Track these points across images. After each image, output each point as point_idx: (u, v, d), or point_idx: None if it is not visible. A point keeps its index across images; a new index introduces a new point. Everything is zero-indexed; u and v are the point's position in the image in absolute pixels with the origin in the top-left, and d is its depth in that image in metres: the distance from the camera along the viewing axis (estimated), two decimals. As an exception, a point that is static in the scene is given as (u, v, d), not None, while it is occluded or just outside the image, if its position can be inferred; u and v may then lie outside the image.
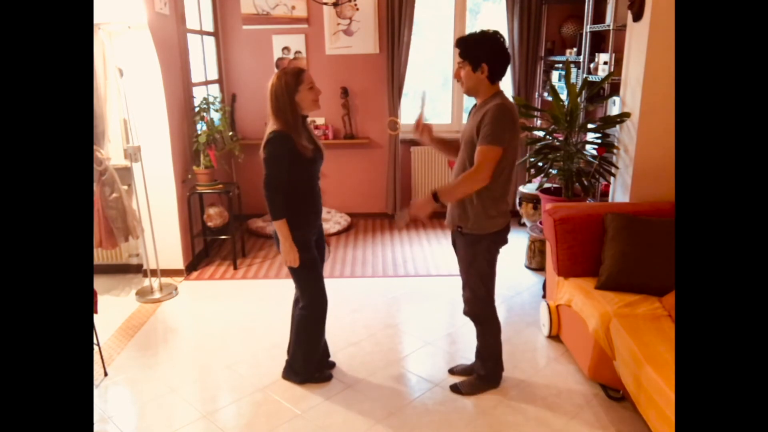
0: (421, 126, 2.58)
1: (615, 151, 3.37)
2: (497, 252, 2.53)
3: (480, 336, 2.67)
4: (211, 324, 3.45)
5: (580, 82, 3.80)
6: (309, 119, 2.63)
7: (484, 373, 2.71)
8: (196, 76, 4.57)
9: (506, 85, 5.24)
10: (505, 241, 2.52)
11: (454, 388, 2.72)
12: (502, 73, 2.38)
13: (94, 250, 3.99)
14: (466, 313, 2.62)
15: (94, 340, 2.79)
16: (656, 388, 2.06)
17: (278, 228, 2.45)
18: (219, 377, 2.88)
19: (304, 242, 2.53)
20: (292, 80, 2.39)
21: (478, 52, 2.32)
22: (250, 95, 5.30)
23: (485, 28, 2.36)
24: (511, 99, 2.40)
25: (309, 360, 2.75)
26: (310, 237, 2.58)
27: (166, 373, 2.91)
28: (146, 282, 4.01)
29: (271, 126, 2.42)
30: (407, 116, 5.41)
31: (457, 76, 2.43)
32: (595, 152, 3.54)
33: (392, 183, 5.33)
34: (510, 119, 2.28)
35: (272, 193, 2.41)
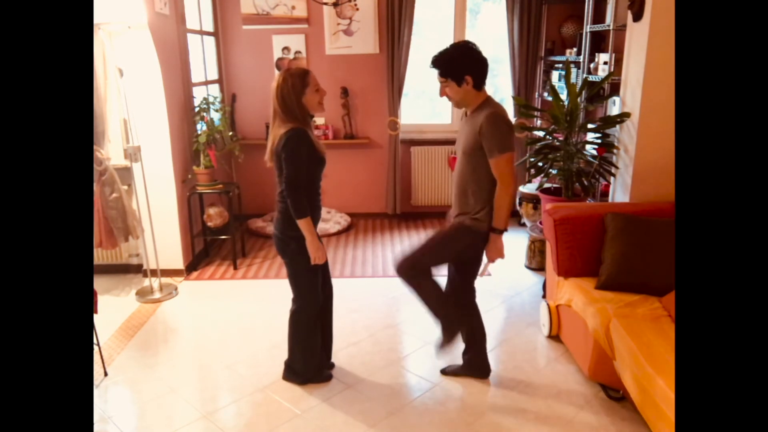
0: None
1: (615, 151, 3.37)
2: (472, 249, 2.55)
3: (416, 293, 2.54)
4: (211, 324, 3.45)
5: (580, 82, 3.80)
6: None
7: (445, 326, 2.58)
8: (196, 76, 4.57)
9: (506, 85, 5.24)
10: (486, 243, 2.52)
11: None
12: (485, 78, 2.42)
13: (94, 250, 4.00)
14: (398, 270, 2.50)
15: (94, 340, 2.80)
16: (656, 388, 2.06)
17: (304, 226, 2.43)
18: (219, 377, 2.88)
19: None
20: (298, 82, 2.39)
21: (459, 67, 2.35)
22: (250, 95, 5.30)
23: (458, 40, 2.37)
24: (499, 101, 2.45)
25: (309, 360, 2.74)
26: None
27: (166, 373, 2.91)
28: (146, 282, 4.01)
29: (281, 127, 2.40)
30: (407, 116, 5.41)
31: (442, 94, 2.46)
32: (595, 152, 3.54)
33: (392, 183, 5.33)
34: (505, 124, 2.34)
35: (296, 191, 2.39)
